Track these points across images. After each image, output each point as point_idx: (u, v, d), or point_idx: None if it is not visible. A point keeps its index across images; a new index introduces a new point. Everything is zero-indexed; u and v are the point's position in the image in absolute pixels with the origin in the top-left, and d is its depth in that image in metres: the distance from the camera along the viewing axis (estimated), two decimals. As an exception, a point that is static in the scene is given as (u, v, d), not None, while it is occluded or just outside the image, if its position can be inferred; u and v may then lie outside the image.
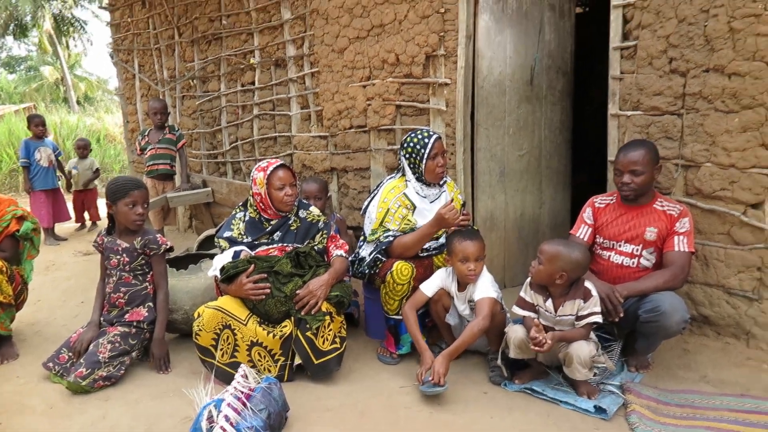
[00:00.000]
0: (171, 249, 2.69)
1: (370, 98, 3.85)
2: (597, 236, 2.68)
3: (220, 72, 4.91)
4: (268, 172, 2.64)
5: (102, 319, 2.67)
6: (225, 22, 4.67)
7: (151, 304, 2.67)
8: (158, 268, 2.66)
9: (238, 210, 2.82)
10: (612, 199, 2.69)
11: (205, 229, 4.73)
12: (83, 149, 6.15)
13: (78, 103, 23.76)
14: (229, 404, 2.00)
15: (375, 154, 3.93)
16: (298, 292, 2.50)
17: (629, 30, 2.85)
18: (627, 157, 2.45)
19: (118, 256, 2.62)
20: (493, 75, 3.52)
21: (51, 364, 2.55)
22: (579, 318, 2.30)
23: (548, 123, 3.81)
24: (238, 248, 2.66)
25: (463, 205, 2.66)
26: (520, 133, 3.69)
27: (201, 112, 5.16)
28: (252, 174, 2.73)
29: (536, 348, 2.22)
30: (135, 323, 2.61)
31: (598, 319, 2.27)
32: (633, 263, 2.56)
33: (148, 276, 2.67)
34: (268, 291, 2.49)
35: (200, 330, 2.45)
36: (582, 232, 2.73)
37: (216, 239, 2.77)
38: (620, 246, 2.59)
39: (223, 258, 2.64)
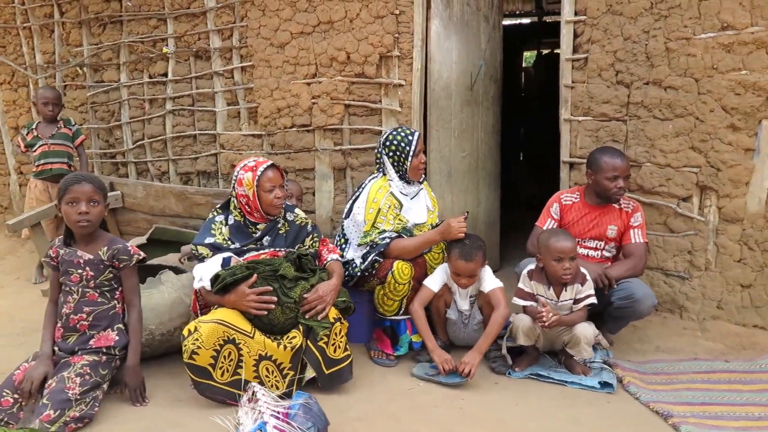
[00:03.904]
0: (144, 260, 2.31)
1: (315, 96, 3.71)
2: None
3: (120, 60, 4.31)
4: (258, 172, 2.42)
5: (57, 348, 2.18)
6: (130, 3, 4.12)
7: (121, 325, 2.26)
8: (129, 283, 2.26)
9: (216, 213, 2.54)
10: (576, 197, 2.94)
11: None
12: None
13: None
14: (275, 427, 1.80)
15: (320, 154, 3.80)
16: (305, 296, 2.33)
17: (579, 44, 3.18)
18: (624, 162, 2.69)
19: (80, 270, 2.18)
20: (442, 78, 3.65)
21: (-9, 412, 2.01)
22: (576, 301, 2.50)
23: (484, 126, 4.05)
24: (225, 255, 2.38)
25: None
26: (463, 135, 3.87)
27: (93, 105, 4.46)
28: (237, 174, 2.47)
29: (542, 324, 2.38)
30: (104, 350, 2.19)
31: (594, 300, 2.50)
32: (597, 255, 2.86)
33: (117, 293, 2.26)
34: (273, 306, 2.28)
35: (198, 348, 2.14)
36: (548, 225, 2.94)
37: (194, 246, 2.45)
38: (585, 242, 2.86)
39: (209, 267, 2.35)
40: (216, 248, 2.42)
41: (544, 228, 2.94)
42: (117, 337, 2.23)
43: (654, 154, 3.05)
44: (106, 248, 2.22)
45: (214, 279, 2.27)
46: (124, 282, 2.26)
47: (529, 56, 9.91)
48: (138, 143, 4.35)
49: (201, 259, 2.42)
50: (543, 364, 2.64)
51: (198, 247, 2.43)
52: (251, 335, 2.24)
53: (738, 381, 2.49)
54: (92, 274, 2.19)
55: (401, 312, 2.66)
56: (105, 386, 2.17)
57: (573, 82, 3.21)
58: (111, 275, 2.23)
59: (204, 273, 2.33)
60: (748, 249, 2.94)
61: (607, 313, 2.76)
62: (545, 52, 9.22)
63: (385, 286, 2.62)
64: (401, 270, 2.59)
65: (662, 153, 3.03)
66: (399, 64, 3.54)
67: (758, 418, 2.18)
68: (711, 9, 2.84)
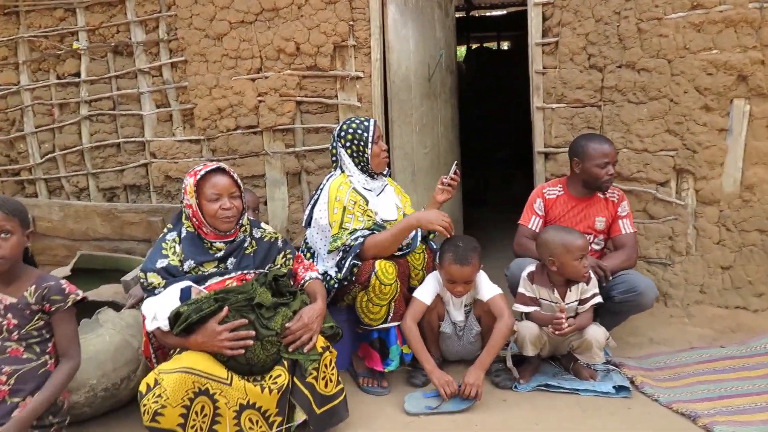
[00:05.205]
0: (83, 300, 1.84)
1: (262, 93, 3.31)
2: None
3: (19, 59, 3.66)
4: (198, 177, 2.04)
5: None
6: (27, -8, 3.49)
7: (53, 386, 1.78)
8: (65, 330, 1.78)
9: (167, 230, 2.12)
10: (560, 190, 2.75)
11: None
12: None
13: None
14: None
15: (271, 158, 3.40)
16: (288, 325, 1.96)
17: (548, 27, 3.01)
18: (612, 148, 2.54)
19: (-1, 319, 1.69)
20: (401, 69, 3.37)
21: None
22: (582, 301, 2.32)
23: (443, 120, 3.82)
24: (183, 285, 1.96)
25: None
26: (424, 130, 3.61)
27: (-13, 113, 3.77)
28: (185, 181, 2.08)
29: (557, 332, 2.18)
30: (35, 422, 1.70)
31: (600, 299, 2.32)
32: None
33: (49, 345, 1.78)
34: (251, 342, 1.89)
35: (164, 407, 1.71)
36: (534, 223, 2.73)
37: (142, 274, 2.01)
38: None
39: (165, 301, 1.91)
40: (170, 273, 1.99)
41: (529, 226, 2.74)
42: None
43: (630, 139, 2.95)
44: (33, 288, 1.74)
45: (174, 317, 1.85)
46: (56, 329, 1.78)
47: (459, 51, 9.92)
48: (48, 156, 3.72)
49: (151, 290, 1.99)
50: (545, 371, 2.43)
51: (148, 274, 1.99)
52: (228, 382, 1.83)
53: (743, 368, 2.42)
54: (16, 322, 1.70)
55: (390, 318, 2.34)
56: (39, 467, 1.69)
57: (544, 67, 3.04)
58: (41, 322, 1.75)
59: (159, 310, 1.89)
60: (726, 230, 2.91)
61: (605, 309, 2.60)
62: (474, 46, 9.26)
63: (368, 290, 2.28)
64: (385, 269, 2.27)
65: (638, 138, 2.93)
66: (355, 55, 3.22)
67: (779, 407, 2.09)
68: (680, -13, 2.78)
